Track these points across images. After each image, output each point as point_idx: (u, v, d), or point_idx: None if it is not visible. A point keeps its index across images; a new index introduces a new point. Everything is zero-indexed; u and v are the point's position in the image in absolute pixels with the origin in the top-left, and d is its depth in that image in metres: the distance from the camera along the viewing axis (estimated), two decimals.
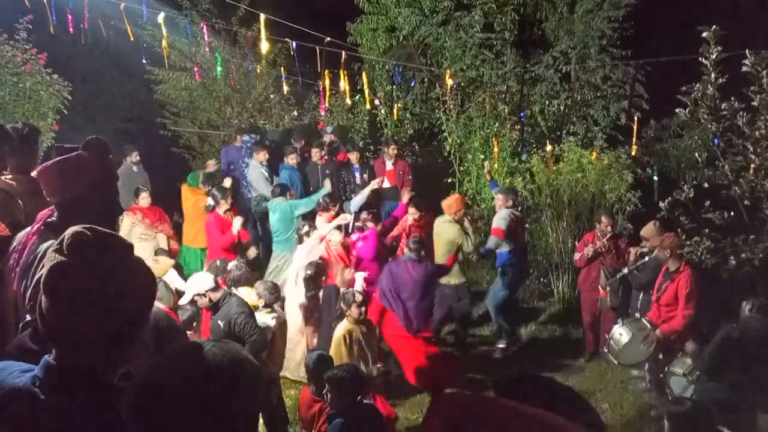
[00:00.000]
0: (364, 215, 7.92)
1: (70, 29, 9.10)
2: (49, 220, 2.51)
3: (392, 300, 6.50)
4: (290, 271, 7.24)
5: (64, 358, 1.52)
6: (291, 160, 9.64)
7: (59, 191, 2.49)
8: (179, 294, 5.42)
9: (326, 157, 9.88)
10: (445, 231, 7.72)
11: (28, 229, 2.56)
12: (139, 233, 8.20)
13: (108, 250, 1.54)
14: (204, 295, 5.24)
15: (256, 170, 9.63)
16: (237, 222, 7.72)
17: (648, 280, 6.82)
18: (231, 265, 6.41)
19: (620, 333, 6.44)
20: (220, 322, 5.14)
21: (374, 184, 8.88)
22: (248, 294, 5.93)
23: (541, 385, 1.43)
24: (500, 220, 7.80)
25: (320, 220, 7.68)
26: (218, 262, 6.50)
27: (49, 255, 1.53)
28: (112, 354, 1.56)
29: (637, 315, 6.57)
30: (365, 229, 7.56)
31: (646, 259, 6.78)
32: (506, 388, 1.41)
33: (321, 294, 6.75)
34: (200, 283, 5.28)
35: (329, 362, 5.07)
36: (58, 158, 2.50)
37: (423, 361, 6.28)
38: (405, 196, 8.59)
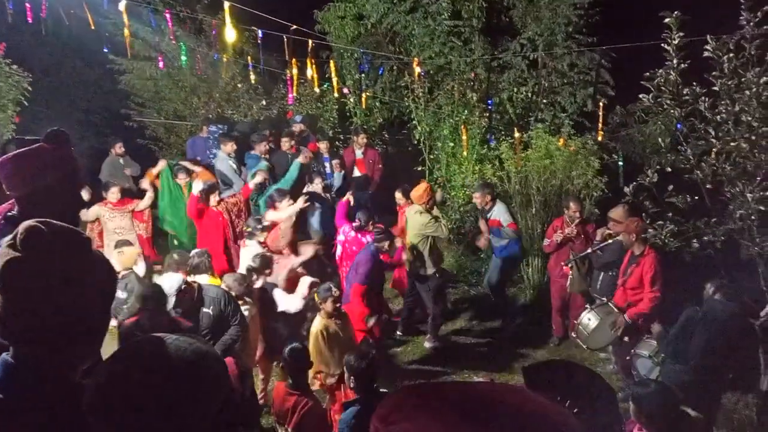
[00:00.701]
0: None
1: (29, 18, 8.88)
2: (9, 214, 2.45)
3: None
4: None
5: (23, 356, 1.49)
6: (260, 148, 9.57)
7: (19, 185, 2.42)
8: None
9: (296, 147, 9.81)
10: (415, 221, 7.76)
11: None
12: (113, 228, 8.15)
13: (63, 245, 1.50)
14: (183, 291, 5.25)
15: (224, 162, 9.53)
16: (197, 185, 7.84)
17: (610, 260, 6.96)
18: (193, 252, 6.36)
19: (588, 318, 6.56)
20: (207, 310, 5.23)
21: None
22: (210, 282, 5.91)
23: (573, 371, 1.41)
24: (506, 213, 8.06)
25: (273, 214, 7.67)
26: (175, 255, 6.39)
27: (2, 251, 1.48)
28: (72, 350, 1.53)
29: (604, 299, 6.68)
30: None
31: (609, 241, 6.89)
32: (536, 375, 1.40)
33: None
34: (170, 286, 5.27)
35: (306, 355, 5.06)
36: (18, 151, 2.43)
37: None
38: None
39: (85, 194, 7.74)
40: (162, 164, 9.12)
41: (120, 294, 6.56)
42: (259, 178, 8.54)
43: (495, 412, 1.01)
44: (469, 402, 1.04)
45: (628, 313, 6.34)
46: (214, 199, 8.00)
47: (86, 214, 7.97)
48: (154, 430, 1.30)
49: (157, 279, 5.69)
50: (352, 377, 4.49)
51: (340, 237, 7.93)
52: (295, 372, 4.87)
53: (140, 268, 7.34)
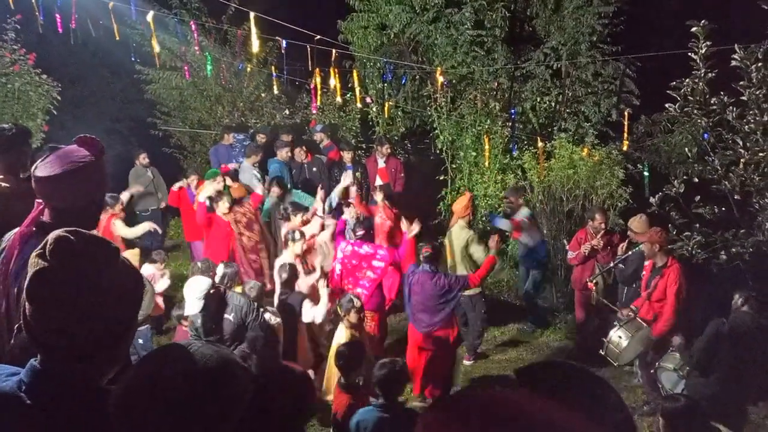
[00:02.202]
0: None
1: (59, 29, 9.05)
2: (41, 221, 2.40)
3: (407, 305, 6.55)
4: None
5: (50, 363, 1.49)
6: (282, 154, 9.65)
7: (68, 198, 2.35)
8: None
9: (312, 155, 9.90)
10: (460, 238, 7.53)
11: (16, 230, 2.50)
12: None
13: (92, 255, 1.51)
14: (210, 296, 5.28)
15: (248, 172, 9.58)
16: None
17: (632, 273, 6.86)
18: (220, 266, 6.40)
19: (619, 336, 6.43)
20: (228, 316, 5.22)
21: (345, 181, 8.70)
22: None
23: (568, 375, 1.39)
24: (528, 215, 8.29)
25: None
26: (199, 264, 6.45)
27: (32, 260, 1.49)
28: (98, 358, 1.54)
29: (632, 314, 6.60)
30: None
31: (629, 253, 6.82)
32: (530, 377, 1.37)
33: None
34: (197, 289, 5.28)
35: (355, 355, 5.02)
36: (70, 165, 2.32)
37: (418, 359, 6.33)
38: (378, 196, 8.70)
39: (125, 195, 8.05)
40: (184, 182, 9.22)
41: None
42: (274, 195, 8.53)
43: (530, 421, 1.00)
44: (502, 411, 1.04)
45: (653, 330, 6.25)
46: (223, 207, 7.93)
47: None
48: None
49: (187, 283, 5.69)
50: (377, 385, 4.48)
51: (339, 255, 7.36)
52: (345, 372, 4.91)
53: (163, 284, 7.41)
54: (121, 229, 7.62)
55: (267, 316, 5.64)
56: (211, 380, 1.36)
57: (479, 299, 7.59)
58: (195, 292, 5.28)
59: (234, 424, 1.43)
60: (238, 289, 6.20)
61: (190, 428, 1.33)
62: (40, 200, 2.41)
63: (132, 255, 7.12)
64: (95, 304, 1.47)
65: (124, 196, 8.09)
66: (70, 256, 1.47)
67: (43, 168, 2.33)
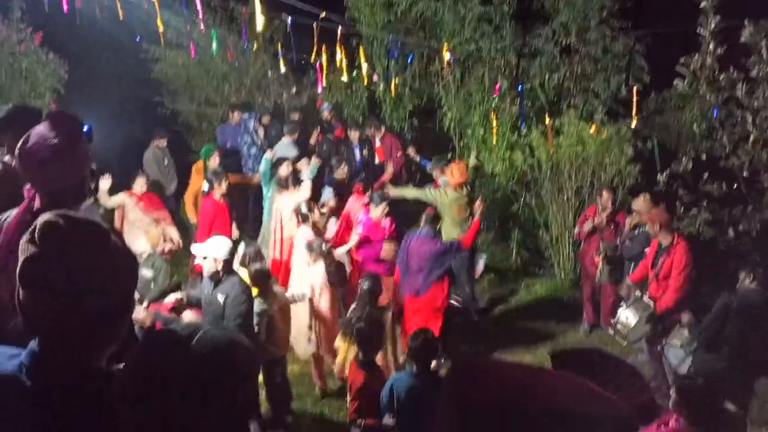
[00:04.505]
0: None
1: (64, 8, 9.02)
2: (35, 209, 2.33)
3: (402, 269, 6.79)
4: (299, 251, 7.16)
5: (47, 345, 1.51)
6: (293, 137, 9.65)
7: (57, 182, 2.31)
8: None
9: (321, 134, 9.88)
10: (452, 201, 7.76)
11: (15, 211, 2.43)
12: (133, 219, 7.88)
13: (81, 237, 1.49)
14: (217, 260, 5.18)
15: (289, 148, 9.51)
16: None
17: (639, 251, 6.87)
18: (242, 245, 6.41)
19: (626, 316, 6.46)
20: (219, 296, 5.12)
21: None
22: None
23: (603, 361, 1.44)
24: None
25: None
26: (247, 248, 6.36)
27: (21, 246, 1.48)
28: (95, 338, 1.54)
29: (638, 293, 6.61)
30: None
31: (636, 232, 6.82)
32: (566, 361, 1.42)
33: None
34: (219, 249, 5.20)
35: (375, 334, 5.15)
36: (52, 151, 2.26)
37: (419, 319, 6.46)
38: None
39: (105, 183, 7.68)
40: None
41: (147, 273, 6.68)
42: (284, 171, 8.37)
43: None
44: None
45: (657, 307, 6.27)
46: (222, 187, 7.81)
47: (111, 200, 7.86)
48: (182, 417, 1.33)
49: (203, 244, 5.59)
50: (411, 354, 4.72)
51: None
52: (363, 349, 5.01)
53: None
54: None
55: (255, 305, 5.48)
56: (217, 362, 1.36)
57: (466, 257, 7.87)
58: (210, 250, 5.20)
59: (238, 405, 1.43)
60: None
61: (197, 409, 1.33)
62: (29, 187, 2.38)
63: (155, 234, 7.15)
64: (88, 285, 1.47)
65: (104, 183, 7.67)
66: (59, 240, 1.46)
67: (25, 155, 2.29)
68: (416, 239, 6.74)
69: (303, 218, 7.16)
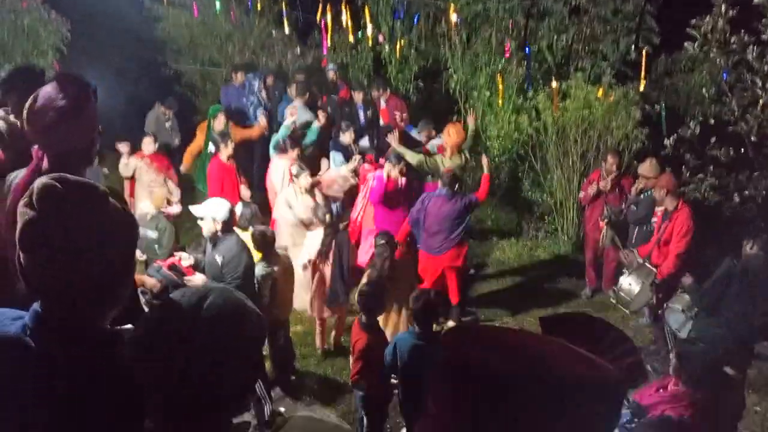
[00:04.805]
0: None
1: None
2: (42, 168, 2.33)
3: (419, 229, 6.83)
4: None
5: (49, 307, 1.52)
6: (302, 99, 9.52)
7: (64, 144, 2.30)
8: None
9: (326, 96, 9.76)
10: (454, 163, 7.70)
11: (23, 171, 2.44)
12: (148, 181, 7.86)
13: (79, 200, 1.49)
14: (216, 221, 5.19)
15: (305, 113, 9.27)
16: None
17: (644, 215, 6.85)
18: (239, 205, 6.39)
19: (629, 283, 6.47)
20: (217, 257, 5.16)
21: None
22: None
23: (590, 325, 1.46)
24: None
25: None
26: (245, 209, 6.40)
27: (20, 210, 1.47)
28: (97, 302, 1.56)
29: (641, 260, 6.61)
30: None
31: (641, 196, 6.79)
32: (554, 326, 1.45)
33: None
34: (217, 210, 5.21)
35: (377, 296, 5.17)
36: (59, 112, 2.25)
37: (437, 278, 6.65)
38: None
39: (124, 147, 7.90)
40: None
41: (151, 234, 6.83)
42: (289, 119, 8.31)
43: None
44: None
45: (658, 274, 6.27)
46: (229, 149, 7.71)
47: (126, 168, 7.91)
48: (192, 381, 1.35)
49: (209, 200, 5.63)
50: (414, 315, 4.77)
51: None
52: (366, 311, 5.04)
53: (175, 209, 7.46)
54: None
55: (258, 268, 5.53)
56: (228, 325, 1.39)
57: None
58: (208, 211, 5.20)
59: (247, 370, 1.48)
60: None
61: (206, 376, 1.36)
62: (37, 148, 2.38)
63: (160, 195, 7.20)
64: (87, 248, 1.47)
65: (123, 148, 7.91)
66: (57, 203, 1.45)
67: (33, 116, 2.28)
68: (435, 200, 6.76)
69: (295, 176, 7.21)
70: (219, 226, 5.18)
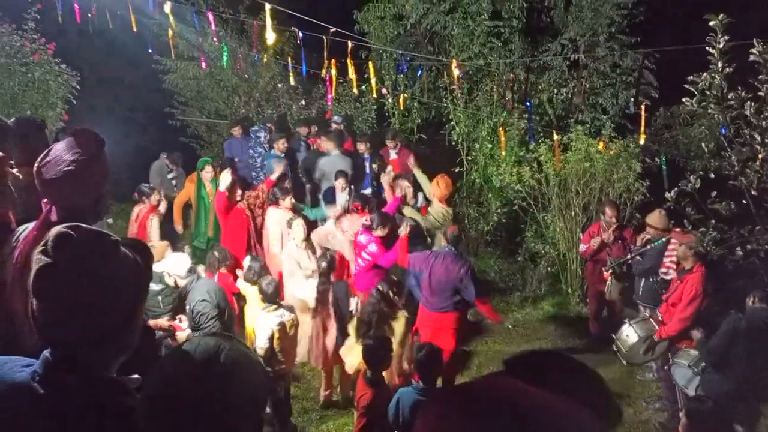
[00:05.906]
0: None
1: (77, 19, 9.13)
2: (51, 221, 2.37)
3: (420, 283, 6.45)
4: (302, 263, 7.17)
5: (60, 354, 1.54)
6: (279, 146, 9.72)
7: (75, 197, 2.35)
8: None
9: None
10: (441, 216, 7.74)
11: (31, 225, 2.47)
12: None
13: (93, 248, 1.53)
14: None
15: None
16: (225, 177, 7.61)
17: (649, 267, 6.82)
18: (247, 259, 6.45)
19: (627, 334, 6.44)
20: (187, 307, 5.37)
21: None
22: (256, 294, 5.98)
23: (554, 362, 1.49)
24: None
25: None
26: (216, 253, 6.45)
27: (35, 257, 1.52)
28: (106, 350, 1.58)
29: (646, 315, 6.57)
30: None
31: (648, 247, 6.78)
32: (518, 365, 1.47)
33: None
34: (175, 265, 5.41)
35: (382, 351, 5.08)
36: (75, 163, 2.30)
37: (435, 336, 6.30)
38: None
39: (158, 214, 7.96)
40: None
41: (153, 286, 6.75)
42: (278, 171, 8.40)
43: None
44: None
45: (657, 332, 6.23)
46: (237, 194, 7.88)
47: (153, 226, 7.87)
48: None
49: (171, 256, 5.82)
50: (417, 368, 4.80)
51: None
52: (371, 366, 4.97)
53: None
54: (155, 232, 7.69)
55: (268, 319, 5.60)
56: (238, 379, 1.42)
57: None
58: (166, 266, 5.48)
59: (254, 422, 1.49)
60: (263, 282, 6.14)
61: (218, 426, 1.38)
62: (47, 201, 2.42)
63: (161, 248, 7.19)
64: (98, 296, 1.51)
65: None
66: (71, 251, 1.50)
67: (44, 170, 2.33)
68: (441, 258, 6.36)
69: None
70: (180, 282, 5.45)
